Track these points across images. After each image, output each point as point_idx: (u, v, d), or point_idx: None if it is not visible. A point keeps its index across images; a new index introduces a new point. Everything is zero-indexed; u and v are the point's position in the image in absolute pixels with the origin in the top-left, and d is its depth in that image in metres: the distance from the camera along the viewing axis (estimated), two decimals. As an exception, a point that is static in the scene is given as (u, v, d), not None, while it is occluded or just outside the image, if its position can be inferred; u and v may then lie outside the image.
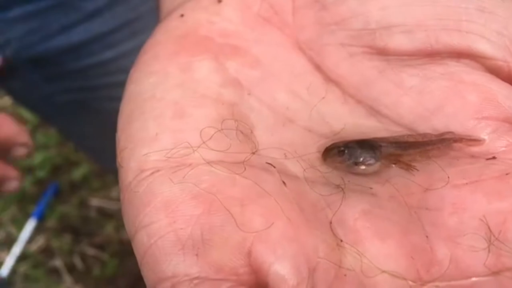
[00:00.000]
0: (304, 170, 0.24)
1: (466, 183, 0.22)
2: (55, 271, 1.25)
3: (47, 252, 1.28)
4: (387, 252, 0.21)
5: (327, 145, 0.24)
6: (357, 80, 0.26)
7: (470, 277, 0.20)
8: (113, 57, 0.66)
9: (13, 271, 1.23)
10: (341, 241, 0.21)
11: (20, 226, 1.29)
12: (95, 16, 0.63)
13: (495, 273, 0.20)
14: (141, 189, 0.22)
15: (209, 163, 0.22)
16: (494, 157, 0.23)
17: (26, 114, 1.39)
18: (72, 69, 0.66)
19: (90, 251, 1.27)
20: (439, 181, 0.22)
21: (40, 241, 1.29)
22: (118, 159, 0.24)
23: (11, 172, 0.52)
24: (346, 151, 0.23)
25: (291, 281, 0.19)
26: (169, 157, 0.23)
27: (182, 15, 0.29)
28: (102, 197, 1.36)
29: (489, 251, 0.20)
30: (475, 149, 0.23)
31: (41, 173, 1.38)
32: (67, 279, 1.23)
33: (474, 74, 0.24)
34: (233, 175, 0.22)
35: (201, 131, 0.24)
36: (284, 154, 0.24)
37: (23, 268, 1.24)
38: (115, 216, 1.32)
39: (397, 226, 0.21)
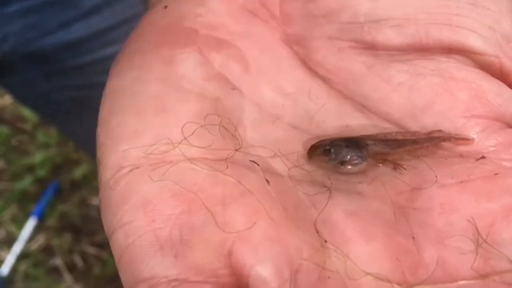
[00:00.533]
0: (289, 169, 0.23)
1: (455, 183, 0.21)
2: (55, 270, 1.25)
3: (48, 251, 1.28)
4: (372, 253, 0.20)
5: (313, 143, 0.24)
6: (345, 75, 0.25)
7: (458, 280, 0.19)
8: (112, 54, 0.66)
9: (14, 270, 1.23)
10: (326, 241, 0.20)
11: (20, 225, 1.29)
12: (94, 13, 0.62)
13: (483, 276, 0.19)
14: (119, 187, 0.21)
15: (190, 160, 0.22)
16: (483, 157, 0.22)
17: (27, 113, 1.39)
18: (71, 66, 0.66)
19: (91, 250, 1.27)
20: (427, 180, 0.22)
21: (40, 240, 1.29)
22: (97, 155, 0.23)
23: None
24: (332, 150, 0.23)
25: (272, 283, 0.19)
26: (149, 154, 0.22)
27: (165, 7, 0.28)
28: (103, 196, 1.36)
29: (477, 253, 0.19)
30: (464, 148, 0.23)
31: (41, 172, 1.38)
32: (68, 278, 1.23)
33: (464, 71, 0.24)
34: (215, 173, 0.21)
35: (182, 127, 0.23)
36: (270, 151, 0.24)
37: (23, 267, 1.25)
38: (115, 216, 1.32)
39: (383, 226, 0.21)
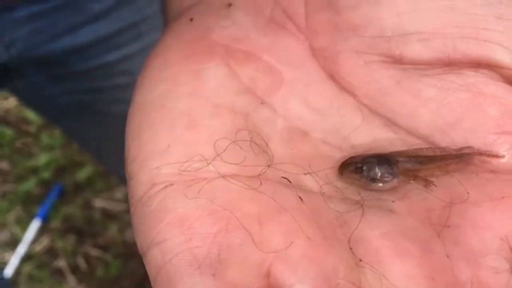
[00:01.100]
0: (321, 186, 0.23)
1: (487, 200, 0.21)
2: (59, 272, 1.25)
3: (51, 252, 1.28)
4: (408, 272, 0.20)
5: (344, 160, 0.24)
6: (373, 89, 0.25)
7: None
8: (118, 58, 0.66)
9: (18, 271, 1.23)
10: (360, 260, 0.20)
11: (24, 226, 1.29)
12: (101, 17, 0.62)
13: None
14: (154, 204, 0.21)
15: (224, 177, 0.22)
16: None
17: (31, 115, 1.39)
18: (78, 70, 0.66)
19: (94, 252, 1.27)
20: (458, 197, 0.22)
21: (44, 242, 1.29)
22: (128, 170, 0.23)
23: None
24: (364, 167, 0.23)
25: None
26: (183, 171, 0.22)
27: (191, 19, 0.28)
28: (106, 198, 1.36)
29: (511, 272, 0.19)
30: (494, 164, 0.23)
31: (45, 174, 1.38)
32: (71, 279, 1.23)
33: (493, 85, 0.24)
34: (249, 190, 0.21)
35: (215, 143, 0.23)
36: (300, 168, 0.24)
37: (27, 269, 1.25)
38: (119, 217, 1.32)
39: (417, 244, 0.21)
